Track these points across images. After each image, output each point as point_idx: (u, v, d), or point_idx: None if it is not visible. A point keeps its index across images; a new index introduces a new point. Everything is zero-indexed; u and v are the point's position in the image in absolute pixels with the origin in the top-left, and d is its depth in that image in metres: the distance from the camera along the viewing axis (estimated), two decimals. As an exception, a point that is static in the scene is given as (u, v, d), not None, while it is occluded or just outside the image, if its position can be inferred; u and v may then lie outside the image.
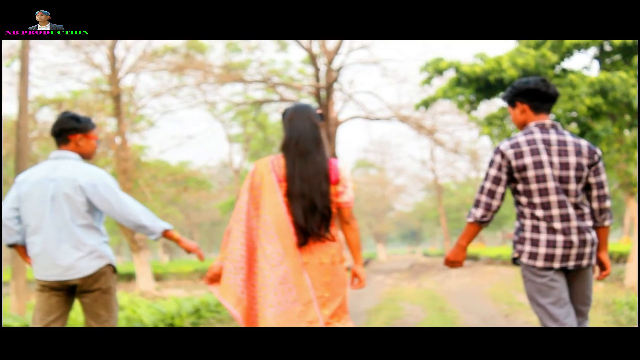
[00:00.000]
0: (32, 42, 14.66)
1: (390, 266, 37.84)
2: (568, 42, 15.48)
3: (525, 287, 4.72)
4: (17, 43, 13.26)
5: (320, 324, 4.64)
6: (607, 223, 4.78)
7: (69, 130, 5.36)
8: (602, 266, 4.90)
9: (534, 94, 4.75)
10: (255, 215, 4.78)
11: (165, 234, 5.24)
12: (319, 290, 4.70)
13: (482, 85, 16.17)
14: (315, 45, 28.43)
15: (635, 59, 15.12)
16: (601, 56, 16.63)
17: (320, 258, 4.71)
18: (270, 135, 39.12)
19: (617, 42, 14.93)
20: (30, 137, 21.69)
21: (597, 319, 10.67)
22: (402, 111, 29.41)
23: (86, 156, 5.46)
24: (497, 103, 21.80)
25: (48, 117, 25.81)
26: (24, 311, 11.99)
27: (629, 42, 14.84)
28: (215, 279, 4.94)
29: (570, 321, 4.56)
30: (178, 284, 27.86)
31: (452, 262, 4.98)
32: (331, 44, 28.34)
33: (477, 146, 37.19)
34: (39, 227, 5.18)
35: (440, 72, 16.75)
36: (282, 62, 34.33)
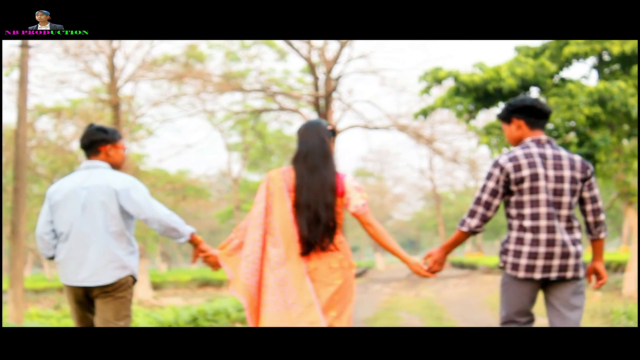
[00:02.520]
0: (32, 50, 14.65)
1: (388, 275, 37.83)
2: (567, 52, 15.50)
3: (500, 292, 4.96)
4: (16, 52, 13.26)
5: (322, 325, 4.78)
6: (602, 235, 4.98)
7: (99, 141, 5.50)
8: (598, 275, 5.05)
9: (530, 110, 4.94)
10: (267, 222, 5.02)
11: (192, 237, 5.40)
12: (328, 292, 4.89)
13: (481, 95, 16.18)
14: (315, 54, 28.47)
15: (634, 69, 15.14)
16: (600, 66, 16.66)
17: (329, 263, 4.90)
18: (269, 144, 39.12)
19: (616, 51, 14.94)
20: (29, 145, 21.72)
21: (595, 328, 10.66)
22: (400, 120, 29.43)
23: (116, 165, 5.60)
24: (495, 112, 21.84)
25: (47, 125, 25.85)
26: (22, 320, 11.99)
27: (628, 51, 14.86)
28: (205, 257, 5.37)
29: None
30: (176, 293, 27.89)
31: (436, 271, 5.23)
32: (330, 53, 28.37)
33: (475, 155, 37.28)
34: (69, 233, 5.31)
35: (439, 81, 16.76)
36: (281, 71, 34.23)
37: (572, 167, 4.80)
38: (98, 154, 5.50)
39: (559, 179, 4.76)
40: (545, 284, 4.86)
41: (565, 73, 16.89)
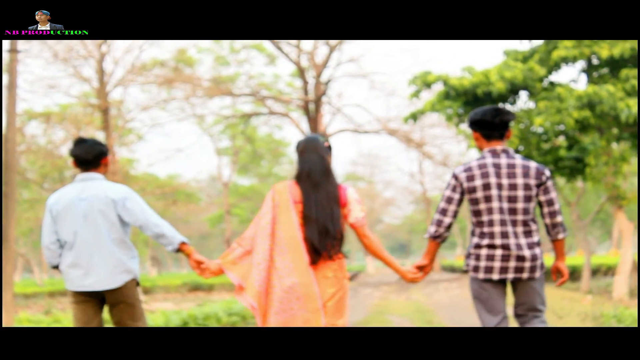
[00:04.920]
0: (20, 55, 14.60)
1: (379, 279, 37.81)
2: (556, 56, 15.54)
3: (471, 293, 5.31)
4: (5, 57, 13.22)
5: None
6: (560, 236, 5.25)
7: (101, 155, 5.75)
8: (560, 274, 5.36)
9: (482, 124, 5.23)
10: (273, 232, 5.22)
11: (181, 247, 5.62)
12: (323, 300, 5.13)
13: (470, 99, 16.22)
14: (304, 58, 28.45)
15: (622, 72, 15.18)
16: (589, 69, 16.70)
17: (324, 272, 5.13)
18: (259, 149, 39.12)
19: (605, 55, 14.98)
20: (18, 150, 21.64)
21: (585, 331, 10.66)
22: (390, 124, 29.46)
23: (105, 174, 5.87)
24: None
25: (36, 130, 25.77)
26: (12, 325, 11.94)
27: (616, 55, 14.90)
28: (205, 268, 5.53)
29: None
30: (166, 297, 27.82)
31: (421, 267, 5.53)
32: (320, 57, 28.36)
33: (465, 159, 37.28)
34: (73, 242, 5.56)
35: (428, 85, 16.81)
36: (270, 75, 34.32)
37: (526, 175, 5.07)
38: (98, 167, 5.75)
39: (513, 187, 5.05)
40: (504, 284, 5.21)
41: (554, 77, 16.97)
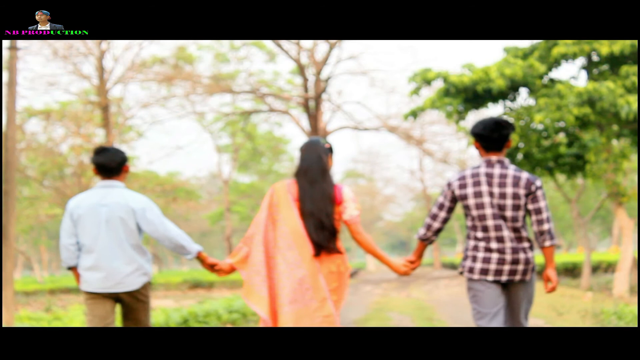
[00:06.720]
0: (20, 52, 14.60)
1: (379, 276, 37.83)
2: (556, 52, 15.54)
3: (467, 294, 5.51)
4: (5, 54, 13.22)
5: (335, 316, 5.37)
6: (547, 244, 5.39)
7: (124, 161, 6.04)
8: (550, 281, 5.46)
9: (481, 137, 5.46)
10: (272, 229, 5.55)
11: (198, 254, 5.95)
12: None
13: (470, 96, 16.21)
14: (304, 55, 28.44)
15: (622, 69, 15.17)
16: (589, 66, 16.69)
17: (329, 267, 5.44)
18: (259, 146, 39.12)
19: (605, 52, 14.97)
20: (18, 147, 21.64)
21: (585, 328, 10.67)
22: (390, 121, 29.46)
23: (124, 180, 6.13)
24: (485, 113, 21.82)
25: (36, 127, 25.77)
26: (12, 322, 11.95)
27: (616, 52, 14.90)
28: (219, 269, 5.85)
29: (494, 324, 5.29)
30: (167, 295, 27.79)
31: (411, 261, 5.86)
32: (319, 54, 28.35)
33: (465, 156, 37.26)
34: (94, 246, 5.82)
35: (428, 82, 16.78)
36: (270, 72, 34.31)
37: (516, 184, 5.30)
38: (119, 174, 6.01)
39: (502, 196, 5.30)
40: (498, 284, 5.39)
41: (554, 74, 16.94)
